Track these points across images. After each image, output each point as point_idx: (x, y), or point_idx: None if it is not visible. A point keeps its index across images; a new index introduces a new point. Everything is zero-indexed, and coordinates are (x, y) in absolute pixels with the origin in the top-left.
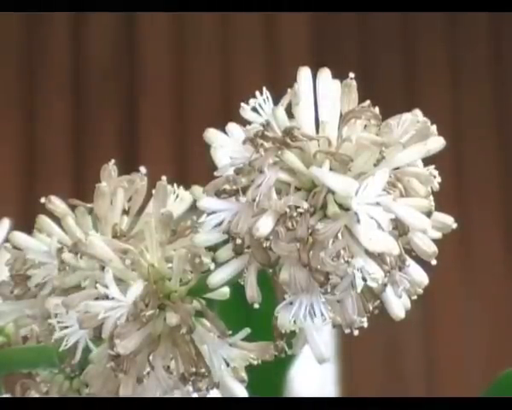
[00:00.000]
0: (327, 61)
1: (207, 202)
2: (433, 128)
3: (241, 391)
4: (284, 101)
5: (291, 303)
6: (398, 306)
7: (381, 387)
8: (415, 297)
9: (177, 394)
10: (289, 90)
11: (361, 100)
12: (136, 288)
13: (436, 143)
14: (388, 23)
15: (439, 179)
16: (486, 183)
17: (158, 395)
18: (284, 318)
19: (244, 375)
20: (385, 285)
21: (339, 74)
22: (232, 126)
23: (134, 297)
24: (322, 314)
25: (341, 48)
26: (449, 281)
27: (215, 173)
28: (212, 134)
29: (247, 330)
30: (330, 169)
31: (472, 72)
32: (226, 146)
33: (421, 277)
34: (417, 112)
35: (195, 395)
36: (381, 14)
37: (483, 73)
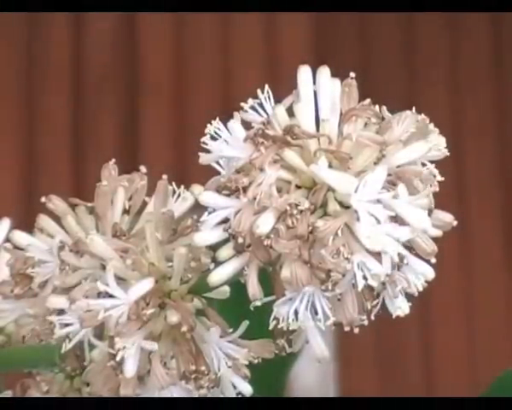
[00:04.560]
0: (327, 61)
1: (208, 196)
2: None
3: (244, 387)
4: (287, 101)
5: (290, 299)
6: (399, 304)
7: (381, 387)
8: (416, 294)
9: (174, 390)
10: (294, 91)
11: (361, 99)
12: (142, 286)
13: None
14: (388, 23)
15: (439, 178)
16: (486, 182)
17: (157, 393)
18: (282, 313)
19: (246, 371)
20: (383, 284)
21: (339, 74)
22: (233, 125)
23: (139, 295)
24: (323, 312)
25: (341, 48)
26: (448, 280)
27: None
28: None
29: (246, 323)
30: (330, 167)
31: (472, 72)
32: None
33: (426, 270)
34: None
35: (197, 393)
36: (381, 14)
37: (483, 74)
